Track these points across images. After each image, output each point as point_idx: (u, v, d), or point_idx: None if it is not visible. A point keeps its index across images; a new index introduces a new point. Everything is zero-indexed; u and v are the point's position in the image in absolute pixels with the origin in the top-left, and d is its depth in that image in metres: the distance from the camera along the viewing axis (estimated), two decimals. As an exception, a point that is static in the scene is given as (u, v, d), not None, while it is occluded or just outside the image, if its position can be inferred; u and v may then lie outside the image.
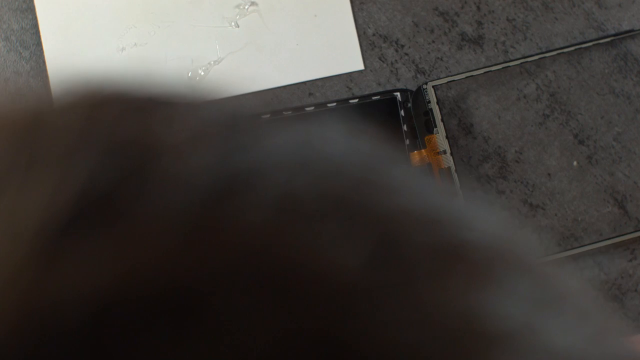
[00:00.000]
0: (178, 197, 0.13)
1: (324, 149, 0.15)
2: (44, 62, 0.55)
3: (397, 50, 0.57)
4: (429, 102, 0.54)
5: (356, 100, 0.54)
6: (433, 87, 0.54)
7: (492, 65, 0.56)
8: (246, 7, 0.56)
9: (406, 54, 0.57)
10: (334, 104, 0.54)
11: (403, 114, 0.55)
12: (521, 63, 0.56)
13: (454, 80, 0.55)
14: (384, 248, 0.13)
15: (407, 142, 0.54)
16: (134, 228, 0.12)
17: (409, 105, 0.55)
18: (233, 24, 0.56)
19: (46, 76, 0.55)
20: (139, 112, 0.14)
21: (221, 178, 0.13)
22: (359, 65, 0.56)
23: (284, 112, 0.54)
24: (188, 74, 0.55)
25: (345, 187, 0.14)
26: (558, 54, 0.57)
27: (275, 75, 0.55)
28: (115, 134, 0.14)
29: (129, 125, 0.14)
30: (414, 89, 0.55)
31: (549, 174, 0.56)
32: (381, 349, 0.12)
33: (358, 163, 0.15)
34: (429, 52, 0.57)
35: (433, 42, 0.57)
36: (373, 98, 0.54)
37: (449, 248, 0.14)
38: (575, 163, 0.57)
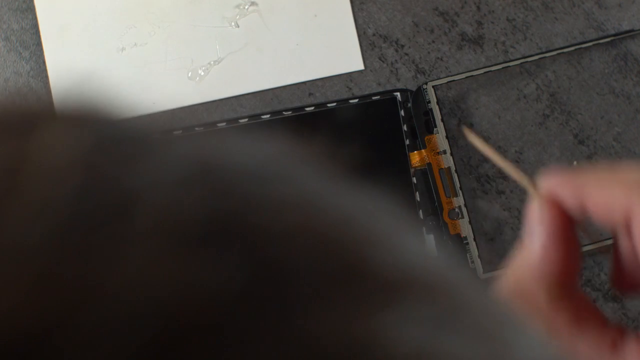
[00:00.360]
0: (38, 228, 0.12)
1: (219, 163, 0.14)
2: (44, 62, 0.55)
3: (397, 50, 0.57)
4: (429, 102, 0.54)
5: (356, 100, 0.54)
6: (433, 87, 0.54)
7: (492, 65, 0.56)
8: (246, 7, 0.56)
9: (406, 54, 0.57)
10: (334, 104, 0.54)
11: (403, 114, 0.55)
12: (521, 63, 0.56)
13: (454, 80, 0.55)
14: (261, 274, 0.12)
15: (407, 142, 0.54)
16: None
17: (409, 105, 0.55)
18: (233, 24, 0.56)
19: (46, 76, 0.55)
20: (9, 136, 0.13)
21: (93, 204, 0.12)
22: (359, 65, 0.56)
23: (284, 112, 0.54)
24: (188, 74, 0.55)
25: (230, 207, 0.13)
26: (558, 54, 0.57)
27: (275, 75, 0.55)
28: None
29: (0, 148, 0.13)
30: (414, 89, 0.55)
31: (549, 174, 0.56)
32: None
33: (251, 177, 0.14)
34: (429, 52, 0.57)
35: (433, 42, 0.57)
36: (373, 98, 0.54)
37: (342, 269, 0.13)
38: (575, 163, 0.57)
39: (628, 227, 0.30)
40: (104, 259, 0.12)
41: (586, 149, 0.57)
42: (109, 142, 0.14)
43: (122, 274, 0.12)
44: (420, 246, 0.15)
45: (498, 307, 0.15)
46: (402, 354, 0.12)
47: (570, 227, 0.32)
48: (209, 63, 0.55)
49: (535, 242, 0.31)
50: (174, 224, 0.12)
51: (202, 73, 0.55)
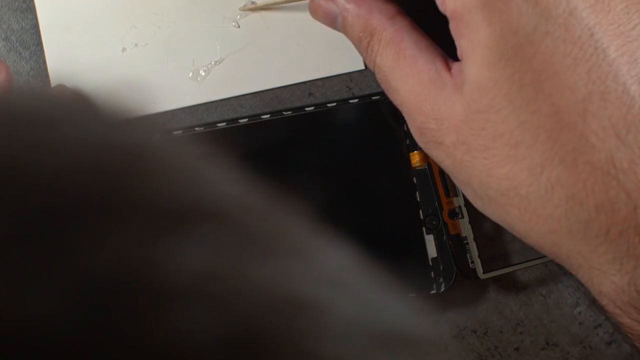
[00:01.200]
0: None
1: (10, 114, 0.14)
2: (44, 61, 0.55)
3: (397, 50, 0.57)
4: (429, 102, 0.54)
5: (356, 100, 0.54)
6: (433, 87, 0.54)
7: (492, 65, 0.56)
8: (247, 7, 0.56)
9: (406, 54, 0.57)
10: (334, 103, 0.54)
11: (403, 114, 0.55)
12: (521, 63, 0.56)
13: (454, 80, 0.55)
14: (38, 211, 0.12)
15: (407, 142, 0.54)
16: None
17: (409, 105, 0.55)
18: (234, 24, 0.56)
19: (46, 76, 0.55)
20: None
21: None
22: (360, 65, 0.56)
23: (283, 112, 0.54)
24: (189, 74, 0.55)
25: (9, 150, 0.13)
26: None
27: (276, 75, 0.55)
28: None
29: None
30: (414, 89, 0.55)
31: (549, 174, 0.56)
32: None
33: (29, 120, 0.14)
34: (429, 52, 0.57)
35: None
36: (373, 98, 0.54)
37: (129, 200, 0.13)
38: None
39: None
40: None
41: (586, 149, 0.57)
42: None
43: None
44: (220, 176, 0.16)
45: (288, 225, 0.15)
46: (187, 275, 0.12)
47: None
48: (210, 63, 0.55)
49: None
50: None
51: (204, 73, 0.55)
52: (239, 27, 0.56)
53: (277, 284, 0.13)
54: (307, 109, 0.54)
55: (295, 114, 0.54)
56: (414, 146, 0.54)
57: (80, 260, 0.12)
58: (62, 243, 0.12)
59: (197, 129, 0.53)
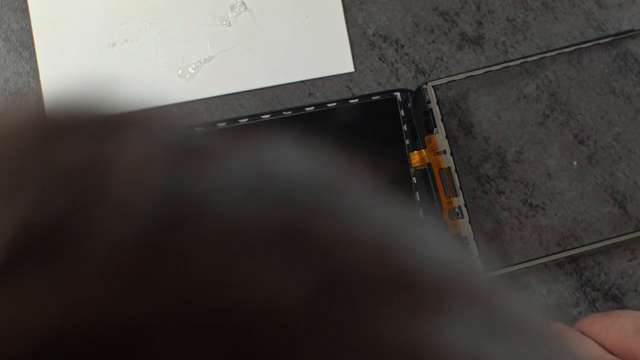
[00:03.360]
0: (124, 230, 0.12)
1: (276, 171, 0.14)
2: (44, 62, 0.55)
3: (397, 50, 0.57)
4: (429, 102, 0.54)
5: (356, 100, 0.54)
6: (433, 87, 0.54)
7: (492, 65, 0.56)
8: (238, 7, 0.56)
9: (406, 54, 0.57)
10: (334, 104, 0.54)
11: (403, 114, 0.55)
12: (521, 63, 0.56)
13: (454, 80, 0.55)
14: (328, 279, 0.13)
15: (407, 142, 0.54)
16: (77, 263, 0.12)
17: (409, 105, 0.55)
18: (225, 22, 0.56)
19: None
20: (89, 140, 0.14)
21: (170, 208, 0.13)
22: (349, 67, 0.56)
23: (283, 112, 0.54)
24: (178, 71, 0.55)
25: (295, 215, 0.14)
26: (558, 54, 0.57)
27: (265, 74, 0.55)
28: (64, 162, 0.13)
29: (79, 153, 0.13)
30: (414, 89, 0.55)
31: (549, 174, 0.56)
32: None
33: (309, 186, 0.14)
34: (429, 52, 0.57)
35: (433, 42, 0.57)
36: (373, 98, 0.54)
37: (397, 277, 0.13)
38: (575, 163, 0.57)
39: None
40: (180, 261, 0.12)
41: (586, 149, 0.57)
42: (177, 148, 0.14)
43: (195, 275, 0.12)
44: (463, 256, 0.16)
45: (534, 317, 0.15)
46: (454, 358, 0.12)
47: None
48: (200, 61, 0.55)
49: None
50: (241, 228, 0.13)
51: (192, 71, 0.55)
52: (229, 25, 0.56)
53: None
54: (307, 109, 0.54)
55: (295, 113, 0.54)
56: (414, 146, 0.54)
57: (354, 335, 0.12)
58: (349, 315, 0.12)
59: (196, 129, 0.53)
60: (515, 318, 0.14)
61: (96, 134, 0.14)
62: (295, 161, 0.15)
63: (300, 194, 0.14)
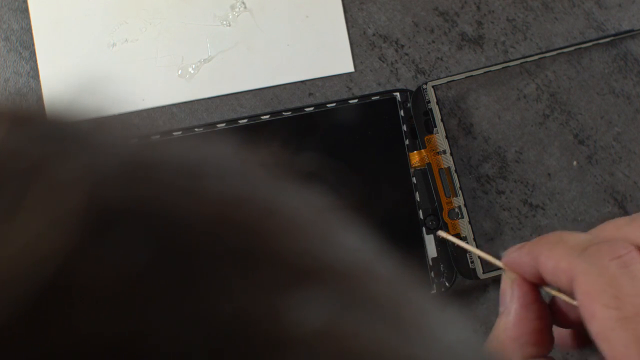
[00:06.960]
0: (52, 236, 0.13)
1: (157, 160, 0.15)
2: (43, 62, 0.55)
3: (397, 50, 0.57)
4: (429, 102, 0.54)
5: (356, 101, 0.54)
6: (433, 87, 0.54)
7: (492, 65, 0.56)
8: (238, 7, 0.56)
9: (406, 54, 0.57)
10: (334, 104, 0.54)
11: (403, 114, 0.55)
12: (521, 63, 0.56)
13: (454, 80, 0.55)
14: (168, 255, 0.13)
15: (407, 142, 0.54)
16: None
17: (409, 105, 0.55)
18: (224, 22, 0.56)
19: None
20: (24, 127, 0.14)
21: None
22: (349, 67, 0.56)
23: (283, 113, 0.54)
24: (178, 71, 0.55)
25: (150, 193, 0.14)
26: (558, 54, 0.57)
27: (265, 74, 0.55)
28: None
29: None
30: (413, 89, 0.55)
31: (549, 174, 0.56)
32: (167, 348, 0.12)
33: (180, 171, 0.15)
34: (429, 52, 0.57)
35: (433, 42, 0.57)
36: (373, 98, 0.54)
37: (256, 254, 0.14)
38: (575, 163, 0.57)
39: (572, 288, 0.34)
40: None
41: (586, 149, 0.57)
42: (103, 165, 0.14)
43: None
44: (346, 238, 0.17)
45: (410, 295, 0.16)
46: (305, 332, 0.13)
47: (535, 292, 0.38)
48: (200, 61, 0.55)
49: (509, 312, 0.38)
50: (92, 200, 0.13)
51: (192, 71, 0.55)
52: (229, 26, 0.56)
53: (393, 353, 0.13)
54: (306, 109, 0.54)
55: (295, 114, 0.54)
56: (414, 146, 0.54)
57: (208, 302, 0.12)
58: (196, 283, 0.12)
59: (197, 129, 0.53)
60: (381, 294, 0.15)
61: (35, 137, 0.14)
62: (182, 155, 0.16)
63: (166, 175, 0.14)
